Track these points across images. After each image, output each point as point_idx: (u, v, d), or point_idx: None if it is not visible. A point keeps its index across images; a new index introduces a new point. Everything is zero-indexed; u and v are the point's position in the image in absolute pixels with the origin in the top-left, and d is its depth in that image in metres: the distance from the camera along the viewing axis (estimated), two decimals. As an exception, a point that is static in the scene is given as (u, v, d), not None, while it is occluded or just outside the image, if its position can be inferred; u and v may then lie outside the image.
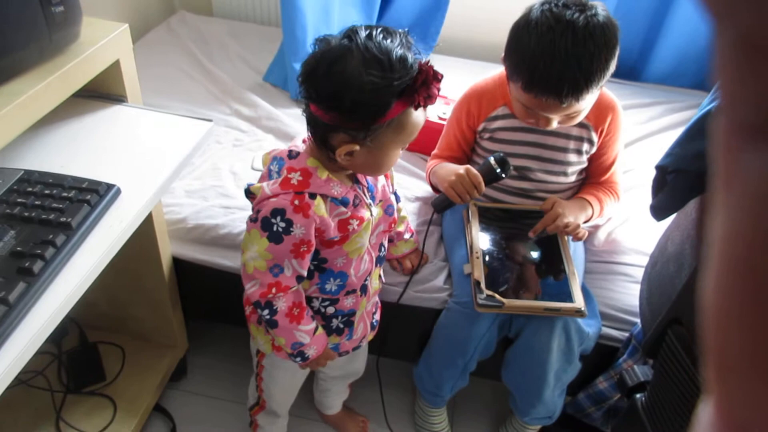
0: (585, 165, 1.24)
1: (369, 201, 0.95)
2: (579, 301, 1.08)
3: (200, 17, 2.04)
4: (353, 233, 0.91)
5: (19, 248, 0.68)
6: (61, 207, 0.73)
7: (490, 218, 1.25)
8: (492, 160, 1.07)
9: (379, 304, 1.15)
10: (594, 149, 1.20)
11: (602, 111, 1.17)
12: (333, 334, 1.04)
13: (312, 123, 0.84)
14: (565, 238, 1.20)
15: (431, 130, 1.47)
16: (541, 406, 1.20)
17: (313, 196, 0.85)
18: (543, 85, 0.99)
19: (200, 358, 1.52)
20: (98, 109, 0.96)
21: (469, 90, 1.25)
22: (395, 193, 1.15)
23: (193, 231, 1.28)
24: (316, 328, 0.97)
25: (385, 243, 1.05)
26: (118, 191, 0.80)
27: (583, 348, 1.16)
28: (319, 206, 0.86)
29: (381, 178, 1.00)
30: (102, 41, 0.89)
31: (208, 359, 1.52)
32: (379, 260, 1.04)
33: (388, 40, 0.77)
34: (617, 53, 1.01)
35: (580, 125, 1.18)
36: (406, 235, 1.21)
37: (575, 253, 1.22)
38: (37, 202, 0.74)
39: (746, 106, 0.16)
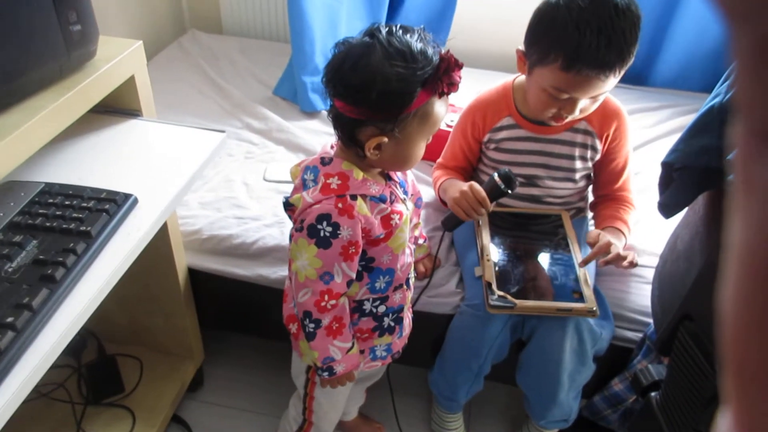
0: (590, 171, 1.25)
1: (403, 196, 0.97)
2: (591, 301, 1.09)
3: (211, 36, 2.08)
4: (396, 228, 0.93)
5: (41, 256, 0.70)
6: (80, 217, 0.76)
7: (500, 222, 1.26)
8: (496, 176, 1.06)
9: None
10: (598, 156, 1.21)
11: (607, 117, 1.18)
12: (386, 334, 1.04)
13: (339, 121, 0.87)
14: (575, 239, 1.20)
15: (438, 137, 1.48)
16: (556, 409, 1.20)
17: (354, 197, 0.88)
18: (590, 57, 0.98)
19: (217, 368, 1.53)
20: (114, 123, 0.99)
21: (473, 102, 1.27)
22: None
23: (207, 242, 1.30)
24: (351, 347, 0.98)
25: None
26: (135, 200, 0.82)
27: (596, 349, 1.16)
28: (362, 206, 0.88)
29: (409, 173, 1.03)
30: (117, 58, 0.92)
31: (224, 369, 1.54)
32: (413, 253, 1.06)
33: (408, 35, 0.81)
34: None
35: (585, 132, 1.19)
36: (420, 240, 1.23)
37: (585, 254, 1.22)
38: (58, 213, 0.76)
39: (765, 112, 0.15)
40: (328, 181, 0.87)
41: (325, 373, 0.97)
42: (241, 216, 1.34)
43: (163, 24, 2.08)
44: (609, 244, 1.11)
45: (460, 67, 0.82)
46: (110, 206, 0.78)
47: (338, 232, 0.86)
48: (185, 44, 2.01)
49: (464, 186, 1.08)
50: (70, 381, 1.34)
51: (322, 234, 0.86)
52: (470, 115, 1.26)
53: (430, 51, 0.80)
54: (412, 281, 1.07)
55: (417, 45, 0.80)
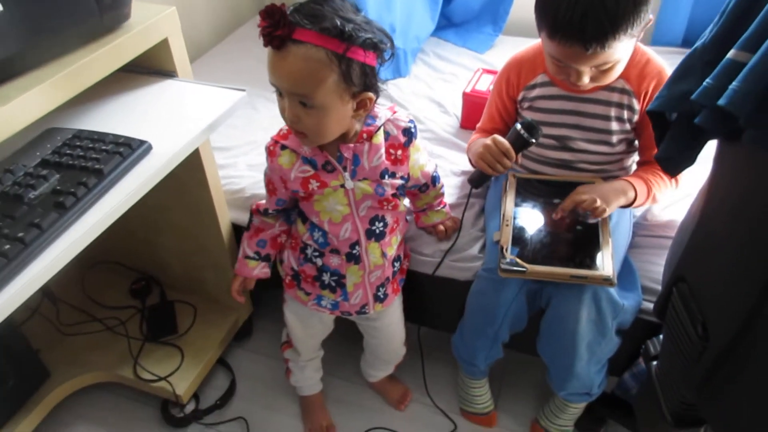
0: (630, 135, 1.18)
1: (345, 173, 1.00)
2: (607, 269, 1.04)
3: (286, 13, 2.19)
4: (315, 193, 1.00)
5: (59, 187, 0.82)
6: (98, 157, 0.86)
7: (529, 190, 1.23)
8: (518, 125, 1.06)
9: (393, 283, 1.19)
10: (636, 117, 1.14)
11: (646, 75, 1.11)
12: (327, 290, 1.13)
13: None
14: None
15: (479, 104, 1.47)
16: (575, 380, 1.16)
17: (284, 147, 1.00)
18: (566, 28, 0.96)
19: (266, 322, 1.64)
20: (151, 83, 1.10)
21: (509, 60, 1.25)
22: (435, 176, 1.18)
23: (250, 200, 1.40)
24: (252, 258, 1.17)
25: (388, 219, 1.08)
26: (149, 147, 0.92)
27: (619, 321, 1.11)
28: (284, 157, 1.00)
29: (377, 159, 1.01)
30: (150, 21, 1.02)
31: (273, 324, 1.64)
32: (372, 235, 1.07)
33: None
34: (649, 1, 0.96)
35: (621, 91, 1.13)
36: (438, 207, 1.24)
37: (617, 225, 1.17)
38: (81, 154, 0.88)
39: None
40: (283, 127, 1.00)
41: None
42: (282, 177, 1.43)
43: (243, 2, 2.22)
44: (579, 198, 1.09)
45: (262, 18, 0.84)
46: (124, 150, 0.88)
47: (267, 165, 1.04)
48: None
49: (487, 140, 1.08)
50: (134, 320, 1.50)
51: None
52: (505, 73, 1.24)
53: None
54: (370, 262, 1.09)
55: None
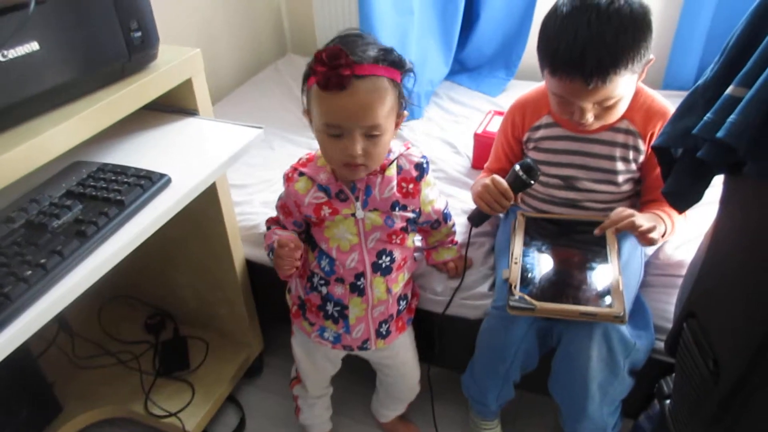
0: (636, 174, 1.20)
1: (355, 202, 1.03)
2: (618, 307, 1.04)
3: (305, 59, 2.26)
4: (326, 219, 1.03)
5: (80, 217, 0.85)
6: (120, 189, 0.90)
7: (538, 229, 1.24)
8: (517, 167, 1.07)
9: (398, 321, 1.19)
10: (641, 157, 1.16)
11: (651, 116, 1.13)
12: (330, 321, 1.13)
13: None
14: (616, 246, 1.15)
15: (488, 145, 1.50)
16: (587, 422, 1.14)
17: (301, 174, 1.04)
18: (567, 64, 1.00)
19: (277, 359, 1.64)
20: (174, 120, 1.14)
21: (514, 102, 1.28)
22: (446, 213, 1.20)
23: (263, 236, 1.43)
24: (294, 231, 1.11)
25: (395, 255, 1.09)
26: (169, 180, 0.95)
27: (631, 361, 1.10)
28: (300, 183, 1.03)
29: (389, 190, 1.04)
30: (175, 61, 1.07)
31: (283, 361, 1.64)
32: (378, 268, 1.08)
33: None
34: (649, 38, 0.99)
35: (626, 132, 1.15)
36: (449, 244, 1.26)
37: (628, 263, 1.17)
38: (104, 186, 0.91)
39: None
40: (303, 155, 1.06)
41: (270, 254, 1.09)
42: (296, 214, 1.45)
43: (263, 47, 2.31)
44: (630, 214, 1.06)
45: (324, 62, 0.87)
46: (145, 182, 0.92)
47: (283, 189, 1.08)
48: (280, 66, 2.21)
49: (487, 179, 1.10)
50: (147, 354, 1.51)
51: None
52: (510, 115, 1.27)
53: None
54: (374, 296, 1.10)
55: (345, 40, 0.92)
